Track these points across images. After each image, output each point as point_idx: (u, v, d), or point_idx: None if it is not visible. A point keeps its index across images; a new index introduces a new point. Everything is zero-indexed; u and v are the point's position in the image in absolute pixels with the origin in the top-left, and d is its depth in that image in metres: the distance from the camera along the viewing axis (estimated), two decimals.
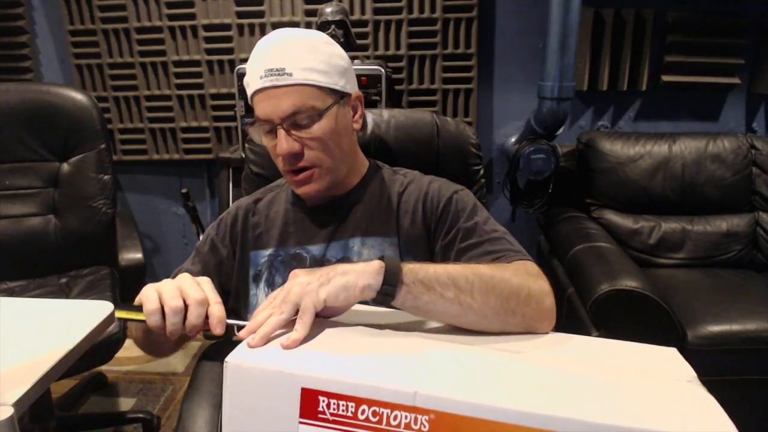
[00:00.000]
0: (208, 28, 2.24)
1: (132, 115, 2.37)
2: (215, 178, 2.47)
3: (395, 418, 0.53)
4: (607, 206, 2.11)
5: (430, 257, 0.94)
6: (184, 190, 2.13)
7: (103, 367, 2.01)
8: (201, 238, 1.05)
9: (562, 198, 2.18)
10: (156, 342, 0.87)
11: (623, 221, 2.08)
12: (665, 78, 2.22)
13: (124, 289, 1.68)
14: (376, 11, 2.18)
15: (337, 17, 1.94)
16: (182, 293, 0.69)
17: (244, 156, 1.96)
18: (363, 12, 2.18)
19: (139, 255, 1.68)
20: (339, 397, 0.55)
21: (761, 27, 2.19)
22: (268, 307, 0.65)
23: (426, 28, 2.18)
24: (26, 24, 2.32)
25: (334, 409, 0.55)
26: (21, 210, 1.76)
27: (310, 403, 0.56)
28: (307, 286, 0.64)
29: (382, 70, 1.88)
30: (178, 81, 2.31)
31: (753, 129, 2.33)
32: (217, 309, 0.68)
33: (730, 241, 2.04)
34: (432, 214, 0.94)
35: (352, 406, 0.54)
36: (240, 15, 2.21)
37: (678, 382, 0.58)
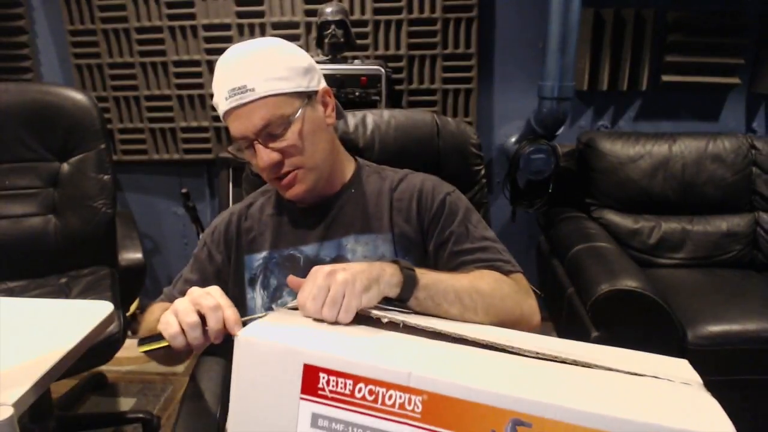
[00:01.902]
0: (208, 28, 2.24)
1: (132, 115, 2.37)
2: (215, 178, 2.47)
3: (390, 397, 0.55)
4: (607, 206, 2.11)
5: (424, 254, 0.95)
6: (184, 190, 2.13)
7: (103, 367, 2.01)
8: (198, 244, 1.05)
9: (562, 198, 2.18)
10: (178, 354, 0.89)
11: (623, 221, 2.08)
12: (665, 78, 2.22)
13: (124, 289, 1.68)
14: (376, 11, 2.18)
15: (337, 17, 1.94)
16: (195, 305, 0.71)
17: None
18: (363, 12, 2.18)
19: (139, 255, 1.68)
20: (338, 374, 0.57)
21: (761, 27, 2.19)
22: (311, 299, 0.68)
23: (426, 28, 2.18)
24: (26, 24, 2.32)
25: (333, 386, 0.57)
26: (21, 210, 1.76)
27: (311, 378, 0.58)
28: (350, 287, 0.67)
29: (382, 70, 1.88)
30: (178, 81, 2.31)
31: (753, 129, 2.33)
32: (230, 312, 0.70)
33: (730, 241, 2.04)
34: (426, 212, 0.95)
35: (350, 384, 0.56)
36: (240, 15, 2.21)
37: (684, 386, 0.58)
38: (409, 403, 0.54)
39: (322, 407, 0.57)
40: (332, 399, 0.57)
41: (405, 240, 0.95)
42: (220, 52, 2.59)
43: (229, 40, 2.23)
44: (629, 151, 2.09)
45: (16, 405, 0.76)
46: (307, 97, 0.91)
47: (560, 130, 2.10)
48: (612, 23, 2.18)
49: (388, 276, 0.71)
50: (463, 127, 1.25)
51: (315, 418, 0.58)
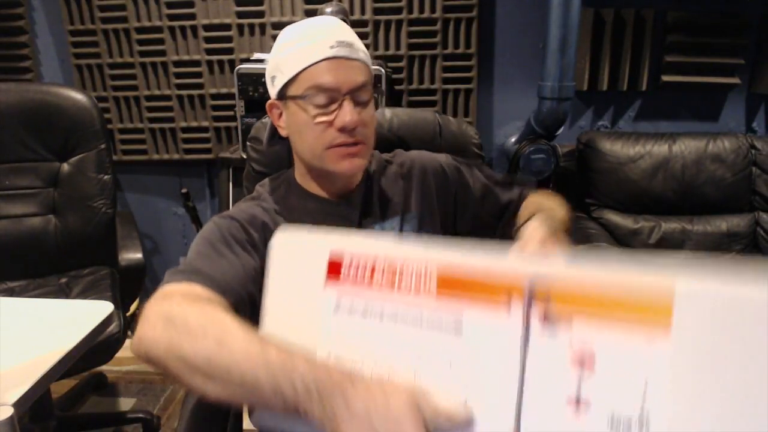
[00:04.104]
0: (208, 28, 2.23)
1: (132, 115, 2.37)
2: (215, 178, 2.47)
3: (408, 267, 0.61)
4: (607, 206, 2.11)
5: (440, 226, 1.01)
6: (184, 190, 2.13)
7: (103, 367, 2.01)
8: (220, 226, 0.88)
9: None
10: None
11: (623, 221, 2.08)
12: (665, 78, 2.22)
13: (124, 289, 1.68)
14: (376, 11, 2.17)
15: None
16: None
17: (244, 156, 1.96)
18: (363, 12, 2.18)
19: (139, 255, 1.68)
20: (360, 256, 0.63)
21: (761, 27, 2.19)
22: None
23: (426, 28, 2.18)
24: (26, 24, 2.32)
25: (354, 271, 0.63)
26: (21, 210, 1.76)
27: (335, 264, 0.65)
28: None
29: (382, 70, 1.87)
30: (178, 81, 2.30)
31: (753, 129, 2.33)
32: None
33: (730, 241, 2.04)
34: (448, 184, 1.02)
35: (370, 263, 0.63)
36: (240, 15, 2.21)
37: None
38: (426, 273, 0.59)
39: (344, 287, 0.63)
40: (353, 280, 0.63)
41: (426, 216, 0.99)
42: (220, 52, 2.58)
43: (229, 40, 2.23)
44: (629, 151, 2.09)
45: (16, 405, 0.77)
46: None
47: (560, 130, 2.10)
48: (612, 23, 2.18)
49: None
50: (465, 127, 1.26)
51: (338, 300, 0.63)
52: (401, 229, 0.96)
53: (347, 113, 0.86)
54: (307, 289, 0.64)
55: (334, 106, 0.87)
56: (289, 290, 0.67)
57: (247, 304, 0.73)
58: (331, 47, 0.86)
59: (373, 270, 0.61)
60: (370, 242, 0.65)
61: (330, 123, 0.87)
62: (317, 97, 0.86)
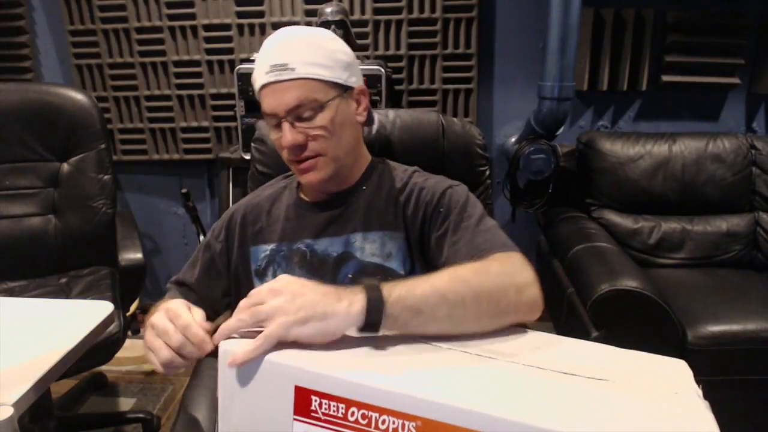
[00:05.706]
0: (208, 28, 2.24)
1: (132, 115, 2.37)
2: (215, 178, 2.47)
3: (383, 422, 0.54)
4: (607, 206, 2.11)
5: (428, 251, 0.95)
6: (184, 190, 2.13)
7: (103, 367, 2.01)
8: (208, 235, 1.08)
9: (562, 198, 2.18)
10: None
11: (623, 221, 2.08)
12: (665, 78, 2.22)
13: (124, 289, 1.68)
14: (376, 11, 2.18)
15: (337, 17, 1.94)
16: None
17: (244, 156, 1.96)
18: (363, 12, 2.18)
19: (139, 255, 1.68)
20: (330, 397, 0.56)
21: (761, 27, 2.19)
22: (242, 306, 0.66)
23: (426, 28, 2.18)
24: (26, 24, 2.32)
25: (326, 409, 0.56)
26: (21, 210, 1.76)
27: (303, 400, 0.57)
28: (282, 315, 0.63)
29: (382, 70, 1.87)
30: (178, 81, 2.31)
31: (753, 129, 2.33)
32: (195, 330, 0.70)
33: (730, 241, 2.04)
34: (427, 207, 0.96)
35: (342, 407, 0.56)
36: (240, 15, 2.21)
37: (677, 396, 0.57)
38: (403, 428, 0.54)
39: (315, 428, 0.57)
40: (325, 421, 0.56)
41: (412, 238, 0.96)
42: (220, 52, 2.59)
43: (229, 40, 2.23)
44: (629, 151, 2.09)
45: (16, 405, 0.76)
46: (343, 90, 0.93)
47: (560, 130, 2.10)
48: (612, 23, 2.18)
49: (345, 309, 0.64)
50: (468, 128, 1.24)
51: None
52: (384, 245, 0.95)
53: (285, 135, 0.90)
54: (271, 418, 0.59)
55: (280, 128, 0.92)
56: (248, 416, 0.61)
57: (211, 294, 1.00)
58: (267, 73, 0.89)
59: (345, 412, 0.55)
60: (340, 378, 0.56)
61: None
62: (269, 120, 0.93)
